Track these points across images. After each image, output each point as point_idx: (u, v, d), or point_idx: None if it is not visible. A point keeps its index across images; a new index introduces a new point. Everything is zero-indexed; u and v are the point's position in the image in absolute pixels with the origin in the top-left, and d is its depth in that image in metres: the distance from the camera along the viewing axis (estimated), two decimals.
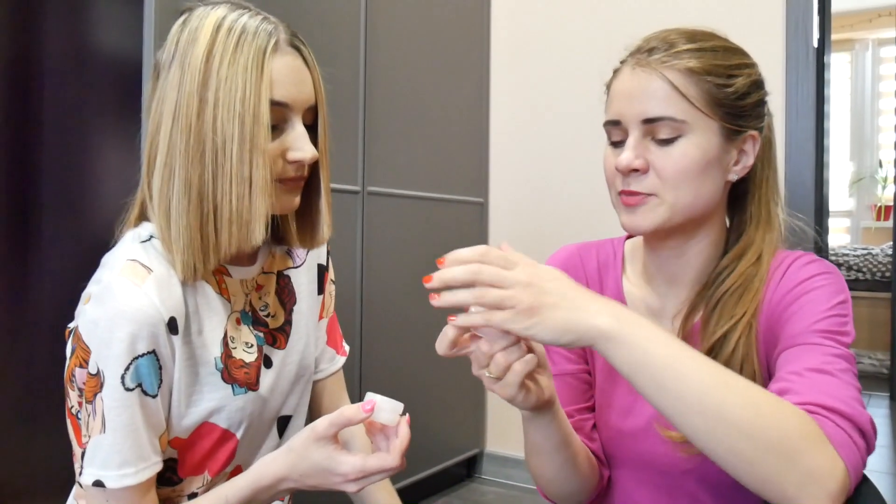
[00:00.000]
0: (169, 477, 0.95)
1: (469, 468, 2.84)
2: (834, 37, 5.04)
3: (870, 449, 0.79)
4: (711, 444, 0.74)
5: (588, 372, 1.09)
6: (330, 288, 1.18)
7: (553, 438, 0.93)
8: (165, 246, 0.90)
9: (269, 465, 0.91)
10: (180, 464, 0.95)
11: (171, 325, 0.88)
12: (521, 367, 0.79)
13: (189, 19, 0.93)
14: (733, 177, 0.97)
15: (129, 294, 0.85)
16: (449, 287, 0.75)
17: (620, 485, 1.06)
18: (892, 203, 4.48)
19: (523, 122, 2.77)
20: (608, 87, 0.99)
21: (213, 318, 0.95)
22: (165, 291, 0.88)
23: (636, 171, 0.93)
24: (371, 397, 0.89)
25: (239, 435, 0.98)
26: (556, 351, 1.09)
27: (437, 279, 0.75)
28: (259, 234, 0.90)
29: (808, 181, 2.13)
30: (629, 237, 1.12)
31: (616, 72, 0.98)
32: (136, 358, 0.85)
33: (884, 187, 5.82)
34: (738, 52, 0.97)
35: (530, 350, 0.81)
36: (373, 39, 2.20)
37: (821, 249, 2.42)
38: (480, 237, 2.80)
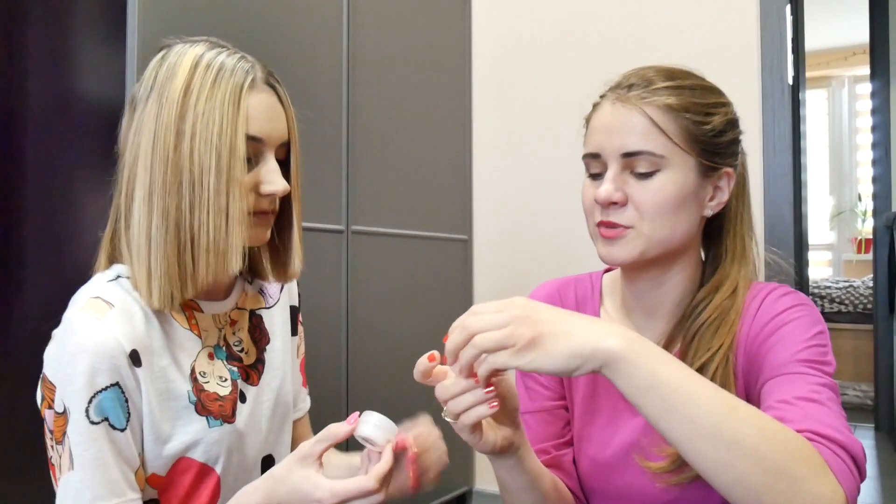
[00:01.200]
0: None
1: None
2: (810, 74, 5.14)
3: (862, 477, 0.79)
4: (719, 470, 0.72)
5: (566, 407, 1.09)
6: (300, 330, 1.19)
7: (519, 480, 0.92)
8: (136, 283, 0.91)
9: (249, 495, 0.90)
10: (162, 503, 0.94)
11: (134, 358, 0.88)
12: (473, 415, 0.78)
13: (168, 55, 0.95)
14: (708, 212, 0.99)
15: (88, 328, 0.86)
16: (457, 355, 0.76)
17: None
18: (871, 236, 4.55)
19: (506, 159, 2.79)
20: (587, 120, 1.01)
21: (183, 353, 0.96)
22: (127, 325, 0.88)
23: (615, 203, 0.94)
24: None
25: (219, 470, 0.97)
26: (537, 385, 1.09)
27: (447, 353, 0.77)
28: (236, 263, 0.91)
29: (787, 216, 2.14)
30: (607, 271, 1.13)
31: (595, 106, 1.00)
32: (100, 392, 0.85)
33: (863, 220, 5.89)
34: (714, 90, 0.99)
35: (501, 396, 0.80)
36: (355, 79, 2.22)
37: (801, 284, 2.44)
38: (465, 274, 2.80)
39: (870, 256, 5.36)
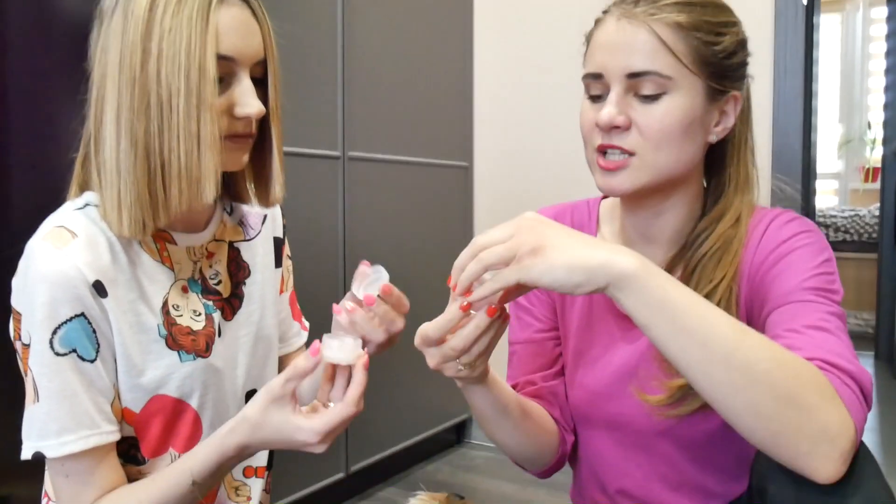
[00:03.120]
0: (133, 455, 0.94)
1: (458, 433, 2.83)
2: None
3: (869, 407, 0.78)
4: (729, 395, 0.70)
5: (557, 339, 1.08)
6: (287, 263, 1.16)
7: (494, 406, 0.93)
8: (105, 211, 0.89)
9: (229, 437, 0.89)
10: (141, 442, 0.94)
11: (98, 288, 0.86)
12: (486, 342, 0.78)
13: None
14: (713, 138, 0.95)
15: (48, 257, 0.84)
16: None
17: (593, 445, 1.06)
18: (880, 165, 4.49)
19: (508, 83, 2.73)
20: (588, 38, 0.97)
21: (153, 286, 0.94)
22: (90, 254, 0.86)
23: (617, 127, 0.90)
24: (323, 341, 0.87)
25: (194, 405, 0.96)
26: (528, 316, 1.08)
27: (458, 284, 0.75)
28: (210, 191, 0.88)
29: (796, 143, 2.10)
30: (605, 197, 1.11)
31: (598, 22, 0.95)
32: (64, 323, 0.84)
33: (872, 149, 5.80)
34: (725, 8, 0.95)
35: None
36: None
37: (808, 212, 2.41)
38: (465, 202, 2.77)
39: (877, 185, 5.30)
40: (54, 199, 0.96)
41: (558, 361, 1.09)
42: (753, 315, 0.92)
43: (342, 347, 0.85)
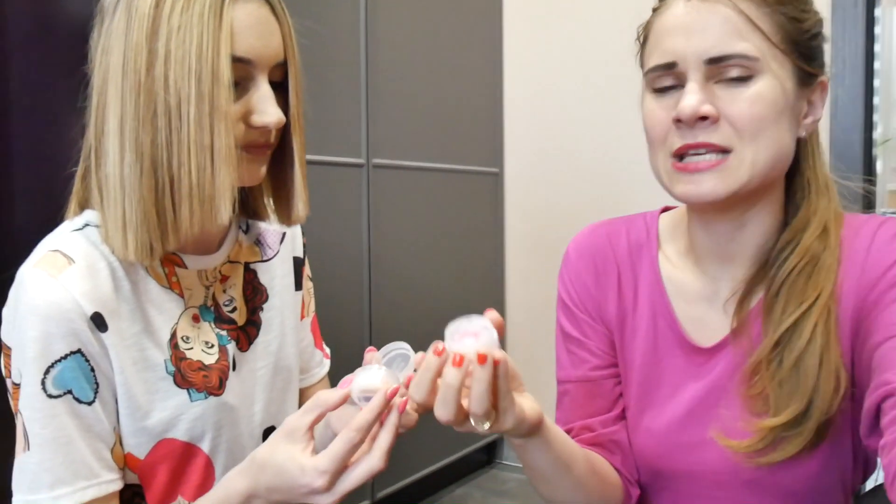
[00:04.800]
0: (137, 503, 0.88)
1: (489, 454, 2.79)
2: None
3: None
4: None
5: (617, 376, 0.98)
6: (308, 285, 1.10)
7: (555, 464, 0.84)
8: (108, 233, 0.82)
9: (234, 480, 0.81)
10: (147, 491, 0.87)
11: (97, 321, 0.81)
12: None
13: None
14: (803, 132, 0.86)
15: (40, 287, 0.78)
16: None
17: (663, 499, 0.96)
18: None
19: (539, 84, 2.67)
20: (646, 29, 0.87)
21: (160, 317, 0.88)
22: (89, 283, 0.80)
23: (704, 119, 0.79)
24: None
25: (206, 449, 0.90)
26: (581, 347, 0.98)
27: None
28: (226, 211, 0.81)
29: (856, 142, 2.00)
30: (664, 210, 1.01)
31: (659, 9, 0.86)
32: (58, 361, 0.78)
33: None
34: None
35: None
36: None
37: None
38: (496, 210, 2.72)
39: None
40: (54, 218, 0.90)
41: (618, 403, 0.98)
42: (859, 347, 0.81)
43: (372, 379, 0.76)
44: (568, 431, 0.96)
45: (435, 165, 2.38)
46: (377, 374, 0.77)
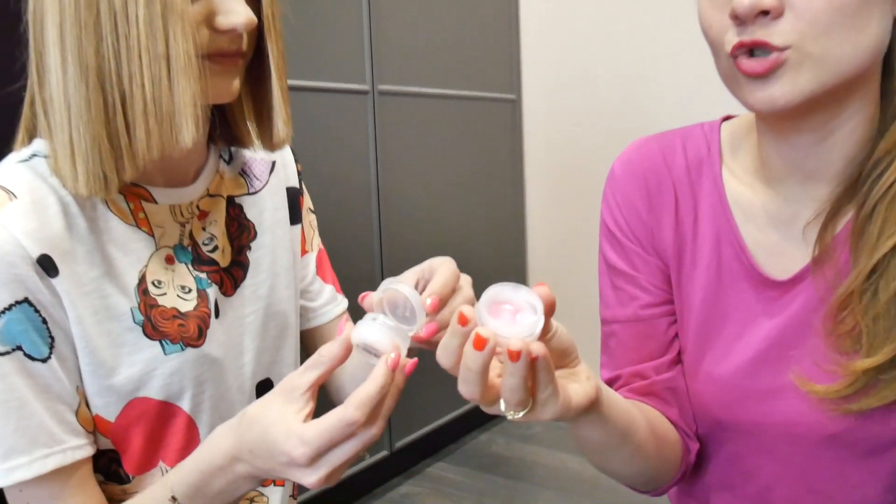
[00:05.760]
0: (115, 471, 0.84)
1: None
2: None
3: None
4: None
5: (672, 314, 0.90)
6: (310, 217, 1.05)
7: (611, 435, 0.77)
8: (56, 163, 0.76)
9: (221, 438, 0.75)
10: (123, 456, 0.83)
11: (46, 265, 0.75)
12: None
13: None
14: None
15: None
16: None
17: (724, 453, 0.89)
18: None
19: (559, 3, 2.62)
20: None
21: (125, 259, 0.82)
22: (35, 221, 0.75)
23: (765, 13, 0.70)
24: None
25: (186, 407, 0.85)
26: (631, 282, 0.91)
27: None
28: (188, 131, 0.75)
29: None
30: (725, 119, 0.91)
31: None
32: (2, 312, 0.73)
33: None
34: None
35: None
36: None
37: None
38: (514, 139, 2.67)
39: None
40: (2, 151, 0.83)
41: (674, 345, 0.91)
42: None
43: (380, 329, 0.68)
44: (616, 379, 0.91)
45: (447, 92, 2.34)
46: (380, 330, 0.69)
